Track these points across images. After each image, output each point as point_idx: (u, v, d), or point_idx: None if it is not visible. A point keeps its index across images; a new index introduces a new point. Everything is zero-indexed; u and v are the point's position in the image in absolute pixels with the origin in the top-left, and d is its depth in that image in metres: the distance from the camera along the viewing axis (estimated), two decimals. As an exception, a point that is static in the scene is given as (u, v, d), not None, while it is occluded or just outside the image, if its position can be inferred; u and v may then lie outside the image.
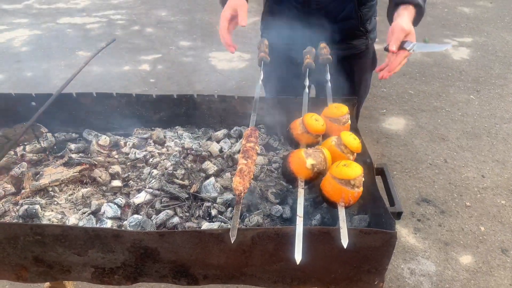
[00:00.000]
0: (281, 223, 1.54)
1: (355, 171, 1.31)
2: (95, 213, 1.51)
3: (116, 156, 1.77)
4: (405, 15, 1.73)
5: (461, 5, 7.17)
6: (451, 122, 4.41)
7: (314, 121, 1.52)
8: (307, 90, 1.80)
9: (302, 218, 1.26)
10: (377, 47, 2.29)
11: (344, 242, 1.19)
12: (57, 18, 7.00)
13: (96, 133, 1.88)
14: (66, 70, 5.24)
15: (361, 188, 1.34)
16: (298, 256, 1.15)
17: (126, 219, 1.48)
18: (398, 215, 1.54)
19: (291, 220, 1.56)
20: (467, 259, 3.04)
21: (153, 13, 7.20)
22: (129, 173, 1.70)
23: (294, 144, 1.58)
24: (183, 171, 1.65)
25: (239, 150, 1.81)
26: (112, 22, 6.87)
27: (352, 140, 1.45)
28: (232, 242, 1.18)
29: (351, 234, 1.22)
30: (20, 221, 1.46)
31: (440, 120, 4.43)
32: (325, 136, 1.57)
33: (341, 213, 1.29)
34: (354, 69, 2.20)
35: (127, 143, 1.83)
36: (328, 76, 1.85)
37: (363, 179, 1.33)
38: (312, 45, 2.01)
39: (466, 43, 5.93)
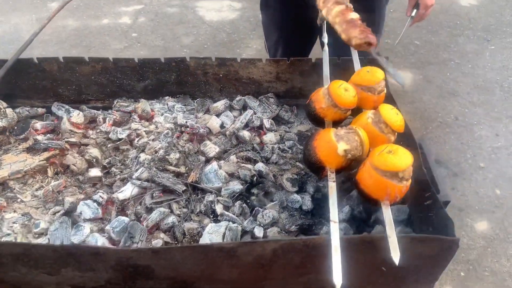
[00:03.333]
0: (301, 216, 1.26)
1: (405, 159, 1.01)
2: (70, 212, 1.20)
3: (94, 136, 1.44)
4: None
5: None
6: (461, 76, 4.08)
7: (343, 91, 1.19)
8: (326, 48, 1.46)
9: (337, 224, 0.97)
10: None
11: (395, 257, 0.92)
12: (25, -35, 6.30)
13: (67, 107, 1.53)
14: (38, 24, 4.71)
15: (410, 181, 1.05)
16: (337, 280, 0.88)
17: (109, 221, 1.18)
18: (445, 204, 1.27)
19: (313, 213, 1.27)
20: (483, 226, 2.84)
21: (132, -43, 6.53)
22: (111, 157, 1.37)
23: (316, 120, 1.26)
24: (177, 155, 1.33)
25: (245, 125, 1.50)
26: (86, -31, 6.21)
27: (394, 116, 1.14)
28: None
29: (401, 242, 0.95)
30: (-27, 228, 1.15)
31: (449, 74, 4.10)
32: (354, 109, 1.25)
33: (387, 214, 1.01)
34: (374, 4, 1.89)
35: (107, 119, 1.49)
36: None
37: (412, 168, 1.04)
38: None
39: (474, -13, 5.49)
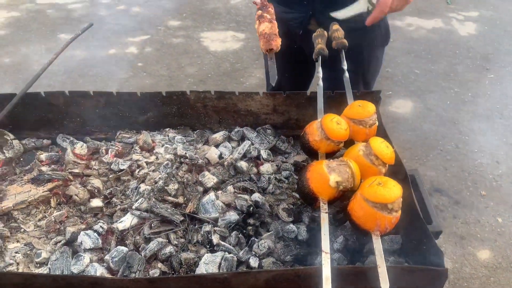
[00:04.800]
0: (296, 247, 1.28)
1: (394, 191, 1.04)
2: (71, 242, 1.24)
3: (96, 167, 1.49)
4: None
5: (464, -24, 6.80)
6: (461, 104, 4.14)
7: (335, 124, 1.24)
8: (321, 83, 1.51)
9: (329, 255, 0.99)
10: (390, 22, 2.01)
11: (384, 286, 0.94)
12: (36, -2, 6.54)
13: (72, 138, 1.58)
14: (47, 54, 4.86)
15: (400, 212, 1.07)
16: (327, 310, 0.90)
17: (109, 251, 1.21)
18: (437, 235, 1.29)
19: (308, 243, 1.30)
20: (485, 254, 2.83)
21: (139, -10, 6.76)
22: (112, 188, 1.42)
23: (310, 152, 1.30)
24: (176, 186, 1.37)
25: (243, 156, 1.54)
26: (95, 1, 6.42)
27: (384, 149, 1.17)
28: None
29: (391, 272, 0.97)
30: (-23, 257, 1.18)
31: (449, 102, 4.16)
32: (347, 141, 1.30)
33: (377, 245, 1.03)
34: (362, 43, 1.87)
35: (109, 150, 1.54)
36: (345, 65, 1.55)
37: (401, 200, 1.07)
38: (309, 11, 1.79)
39: (472, 18, 5.60)
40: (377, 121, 1.32)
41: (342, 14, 1.79)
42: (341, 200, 1.17)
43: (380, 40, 1.98)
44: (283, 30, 1.77)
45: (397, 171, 1.27)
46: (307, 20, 1.84)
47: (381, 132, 1.37)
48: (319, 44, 1.63)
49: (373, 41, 1.94)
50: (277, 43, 1.50)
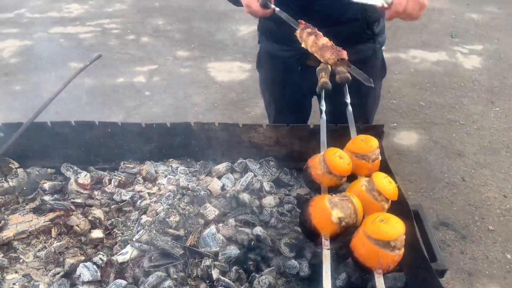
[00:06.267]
0: (298, 283, 1.25)
1: (396, 228, 1.03)
2: (70, 274, 1.22)
3: (99, 197, 1.49)
4: None
5: (468, 11, 6.90)
6: (466, 136, 4.13)
7: (338, 159, 1.23)
8: (324, 116, 1.52)
9: (330, 295, 0.97)
10: (387, 55, 2.03)
11: (388, 329, 0.91)
12: (49, 27, 6.71)
13: (76, 168, 1.59)
14: (57, 82, 4.92)
15: (403, 249, 1.05)
16: None
17: (107, 283, 1.19)
18: (442, 273, 1.26)
19: (310, 280, 1.27)
20: (494, 292, 2.75)
21: (149, 21, 6.93)
22: (113, 219, 1.41)
23: (313, 185, 1.30)
24: (177, 218, 1.37)
25: (246, 188, 1.54)
26: (106, 31, 6.59)
27: (387, 185, 1.16)
28: None
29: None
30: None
31: (455, 134, 4.15)
32: (350, 175, 1.29)
33: (379, 283, 1.01)
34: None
35: (112, 181, 1.54)
36: (348, 99, 1.56)
37: (404, 237, 1.05)
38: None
39: (477, 51, 5.66)
40: (380, 156, 1.32)
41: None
42: (343, 236, 1.15)
43: (379, 72, 2.02)
44: (279, 67, 1.80)
45: (400, 207, 1.25)
46: (306, 56, 1.87)
47: (384, 167, 1.36)
48: (323, 78, 1.64)
49: (371, 74, 1.97)
50: (345, 52, 1.52)
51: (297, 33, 1.64)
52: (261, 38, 2.07)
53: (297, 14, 1.79)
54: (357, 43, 1.88)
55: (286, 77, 1.93)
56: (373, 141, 1.30)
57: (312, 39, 1.56)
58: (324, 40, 1.54)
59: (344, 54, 1.48)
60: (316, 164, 1.27)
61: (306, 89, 2.03)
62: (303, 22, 1.64)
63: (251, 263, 1.26)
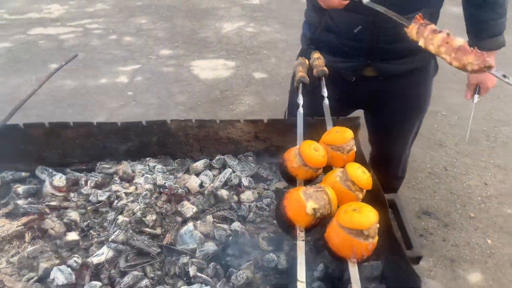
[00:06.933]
0: (276, 276, 1.25)
1: (369, 217, 1.03)
2: (44, 279, 1.20)
3: (75, 199, 1.47)
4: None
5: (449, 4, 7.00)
6: (448, 127, 4.18)
7: (313, 151, 1.23)
8: (301, 110, 1.51)
9: (304, 284, 0.97)
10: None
11: (361, 317, 0.91)
12: (29, 29, 6.60)
13: (51, 170, 1.56)
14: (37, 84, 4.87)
15: (376, 238, 1.06)
16: None
17: (82, 286, 1.18)
18: (417, 259, 1.27)
19: (288, 273, 1.27)
20: (476, 277, 2.79)
21: (132, 21, 6.85)
22: (90, 220, 1.39)
23: (289, 178, 1.30)
24: (154, 216, 1.35)
25: (224, 184, 1.53)
26: (88, 31, 6.50)
27: (360, 175, 1.17)
28: None
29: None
30: None
31: (436, 125, 4.20)
32: (326, 167, 1.29)
33: (353, 272, 1.01)
34: (420, 81, 2.07)
35: (89, 182, 1.52)
36: (325, 92, 1.56)
37: (378, 225, 1.06)
38: (367, 60, 1.84)
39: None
40: (355, 147, 1.33)
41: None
42: (319, 226, 1.16)
43: (432, 74, 2.15)
44: (330, 78, 1.70)
45: (375, 196, 1.26)
46: (362, 68, 1.87)
47: (359, 158, 1.37)
48: (300, 72, 1.64)
49: (429, 75, 2.13)
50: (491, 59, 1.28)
51: (410, 28, 1.39)
52: (309, 48, 1.94)
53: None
54: (414, 55, 1.91)
55: (336, 88, 1.78)
56: (348, 133, 1.31)
57: (442, 38, 1.29)
58: (461, 41, 1.26)
59: (492, 62, 1.19)
60: (291, 157, 1.27)
61: (355, 100, 2.07)
62: (420, 16, 1.40)
63: (228, 258, 1.26)
